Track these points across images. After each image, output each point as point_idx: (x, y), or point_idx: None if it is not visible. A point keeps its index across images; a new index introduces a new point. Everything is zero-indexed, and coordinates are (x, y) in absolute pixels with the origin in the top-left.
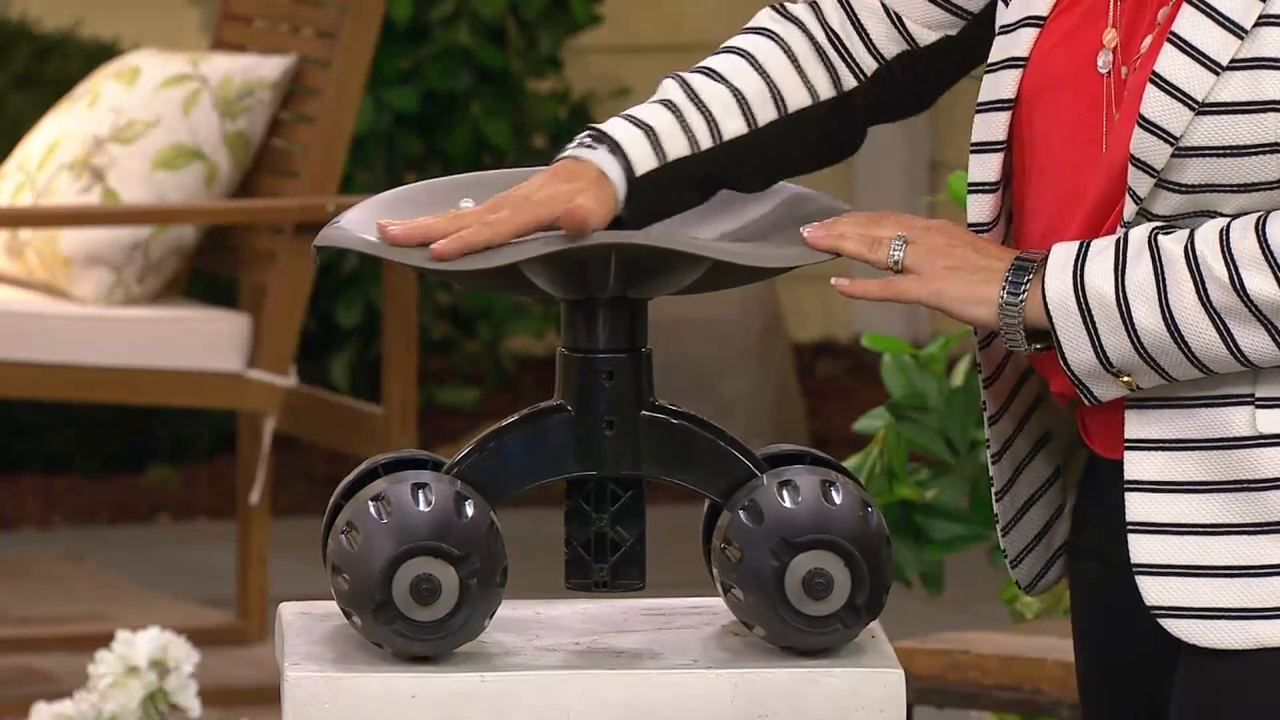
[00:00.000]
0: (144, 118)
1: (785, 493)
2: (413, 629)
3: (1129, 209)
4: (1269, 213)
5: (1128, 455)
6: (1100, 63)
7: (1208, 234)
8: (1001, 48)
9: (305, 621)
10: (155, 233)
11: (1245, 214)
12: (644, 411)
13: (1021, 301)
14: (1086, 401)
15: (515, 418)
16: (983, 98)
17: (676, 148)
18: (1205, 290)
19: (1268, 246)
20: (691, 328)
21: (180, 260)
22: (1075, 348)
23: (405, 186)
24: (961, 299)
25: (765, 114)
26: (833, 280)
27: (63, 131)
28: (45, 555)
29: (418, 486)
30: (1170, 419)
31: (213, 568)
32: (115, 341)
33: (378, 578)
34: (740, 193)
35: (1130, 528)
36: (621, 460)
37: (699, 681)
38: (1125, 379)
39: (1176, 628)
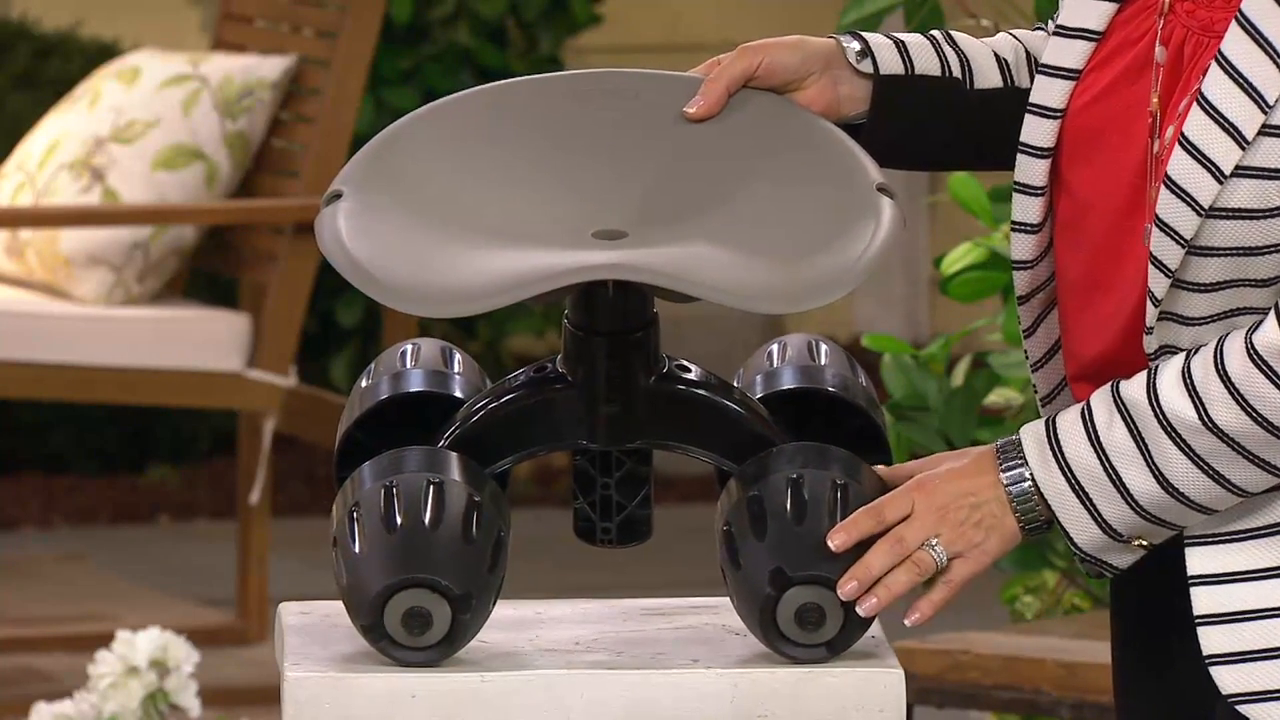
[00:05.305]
0: (144, 118)
1: (789, 510)
2: (401, 650)
3: (1150, 314)
4: (1222, 345)
5: (1188, 550)
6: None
7: (1169, 382)
8: (1040, 90)
9: (305, 621)
10: (155, 233)
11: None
12: (651, 380)
13: (1039, 513)
14: (1109, 574)
15: (519, 382)
16: (1023, 138)
17: (926, 66)
18: (1186, 443)
19: (1230, 382)
20: (692, 326)
21: (180, 260)
22: (1079, 528)
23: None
24: (1001, 549)
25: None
26: (905, 620)
27: (63, 131)
28: (45, 555)
29: (431, 485)
30: (1225, 515)
31: (213, 568)
32: (115, 341)
33: (370, 604)
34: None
35: (1199, 620)
36: (623, 433)
37: (699, 681)
38: (1138, 542)
39: (1258, 712)
